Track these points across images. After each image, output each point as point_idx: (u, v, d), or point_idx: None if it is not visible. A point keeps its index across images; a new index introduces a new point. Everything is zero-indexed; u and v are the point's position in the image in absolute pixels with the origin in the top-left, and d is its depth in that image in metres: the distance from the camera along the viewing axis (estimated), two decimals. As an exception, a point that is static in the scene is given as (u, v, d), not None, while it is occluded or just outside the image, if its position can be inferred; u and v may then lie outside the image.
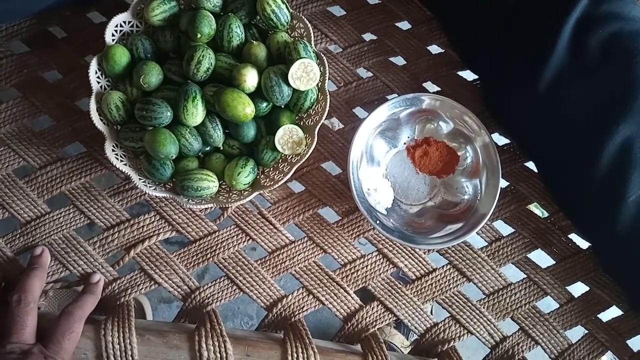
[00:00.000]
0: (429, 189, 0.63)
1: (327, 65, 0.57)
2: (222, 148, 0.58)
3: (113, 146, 0.55)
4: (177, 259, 0.60)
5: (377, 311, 0.62)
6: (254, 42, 0.56)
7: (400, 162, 0.63)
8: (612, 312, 0.64)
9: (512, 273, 0.64)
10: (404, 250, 0.62)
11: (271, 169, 0.59)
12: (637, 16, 0.56)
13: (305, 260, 0.61)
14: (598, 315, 0.64)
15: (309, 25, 0.58)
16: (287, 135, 0.56)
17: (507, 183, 0.65)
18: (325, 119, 0.57)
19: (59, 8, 0.64)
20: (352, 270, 0.62)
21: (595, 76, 0.55)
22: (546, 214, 0.65)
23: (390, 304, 0.62)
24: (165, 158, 0.54)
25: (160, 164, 0.54)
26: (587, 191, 0.57)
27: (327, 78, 0.57)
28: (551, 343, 0.63)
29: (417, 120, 0.62)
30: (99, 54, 0.56)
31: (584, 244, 0.64)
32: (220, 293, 0.60)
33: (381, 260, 0.62)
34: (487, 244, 0.64)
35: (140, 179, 0.55)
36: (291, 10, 0.58)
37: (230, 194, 0.58)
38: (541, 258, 0.64)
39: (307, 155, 0.56)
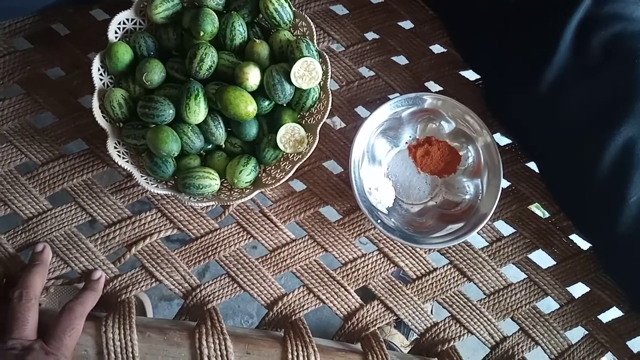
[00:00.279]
0: (430, 188, 0.63)
1: (329, 64, 0.57)
2: (224, 146, 0.58)
3: (115, 143, 0.56)
4: (179, 256, 0.60)
5: (377, 310, 0.62)
6: (257, 40, 0.56)
7: (401, 161, 0.64)
8: (612, 313, 0.64)
9: (513, 273, 0.64)
10: (405, 249, 0.62)
11: (273, 168, 0.59)
12: (640, 17, 0.56)
13: (306, 259, 0.61)
14: (598, 316, 0.64)
15: (312, 23, 0.58)
16: (289, 133, 0.56)
17: (509, 183, 0.65)
18: (327, 118, 0.57)
19: (62, 5, 0.64)
20: (353, 269, 0.62)
21: (598, 77, 0.55)
22: (547, 215, 0.65)
23: (391, 303, 0.62)
24: (167, 156, 0.54)
25: (162, 162, 0.55)
26: (588, 192, 0.57)
27: (329, 77, 0.58)
28: (551, 343, 0.63)
29: (419, 120, 0.62)
30: (102, 51, 0.56)
31: (584, 245, 0.64)
32: (221, 291, 0.60)
33: (382, 259, 0.62)
34: (487, 244, 0.64)
35: (142, 177, 0.55)
36: (294, 9, 0.58)
37: (232, 192, 0.58)
38: (542, 258, 0.64)
39: (309, 154, 0.56)
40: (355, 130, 0.58)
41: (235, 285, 0.60)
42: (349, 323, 0.61)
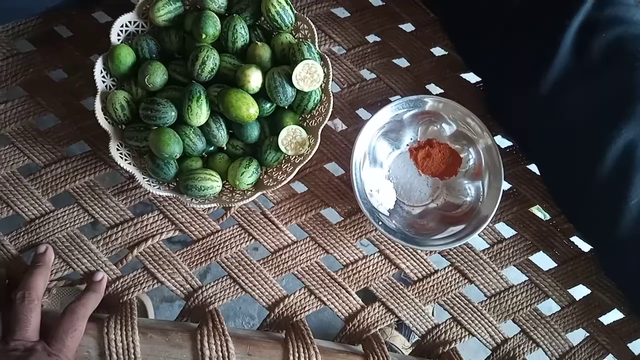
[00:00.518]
0: (432, 190, 0.63)
1: (330, 66, 0.58)
2: (225, 148, 0.58)
3: (117, 145, 0.56)
4: (180, 258, 0.60)
5: (378, 312, 0.62)
6: (259, 43, 0.57)
7: (402, 163, 0.64)
8: (613, 315, 0.64)
9: (514, 275, 0.64)
10: (406, 251, 0.63)
11: (274, 170, 0.59)
12: (641, 20, 0.56)
13: (307, 261, 0.61)
14: (599, 318, 0.64)
15: (313, 26, 0.58)
16: (290, 136, 0.56)
17: (510, 185, 0.65)
18: (328, 120, 0.57)
19: (65, 8, 0.64)
20: (354, 271, 0.62)
21: (598, 79, 0.55)
22: (548, 217, 0.65)
23: (392, 305, 0.62)
24: (169, 157, 0.54)
25: (164, 164, 0.55)
26: (589, 194, 0.57)
27: (330, 79, 0.58)
28: (552, 345, 0.63)
29: (420, 122, 0.63)
30: (105, 54, 0.57)
31: (585, 247, 0.64)
32: (223, 292, 0.60)
33: (383, 261, 0.63)
34: (489, 246, 0.64)
35: (144, 178, 0.55)
36: (295, 12, 0.58)
37: (234, 194, 0.58)
38: (543, 260, 0.64)
39: (310, 156, 0.56)
40: (356, 132, 0.59)
41: (237, 286, 0.61)
42: (350, 325, 0.61)
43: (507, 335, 0.63)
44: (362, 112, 0.66)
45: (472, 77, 0.67)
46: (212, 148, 0.59)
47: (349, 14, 0.68)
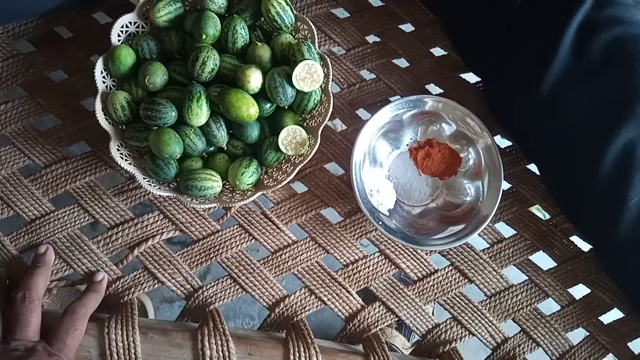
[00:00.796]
0: (431, 190, 0.64)
1: (330, 66, 0.58)
2: (225, 148, 0.58)
3: (118, 145, 0.56)
4: (181, 258, 0.60)
5: (379, 312, 0.62)
6: (259, 43, 0.57)
7: (402, 163, 0.64)
8: (613, 315, 0.64)
9: (514, 275, 0.64)
10: (406, 251, 0.63)
11: (274, 170, 0.59)
12: (640, 20, 0.56)
13: (307, 261, 0.62)
14: (599, 318, 0.64)
15: (313, 27, 0.58)
16: (290, 136, 0.56)
17: (509, 185, 0.65)
18: (328, 121, 0.57)
19: (65, 8, 0.64)
20: (354, 271, 0.62)
21: (598, 79, 0.55)
22: (548, 216, 0.65)
23: (392, 304, 0.62)
24: (169, 158, 0.54)
25: (164, 164, 0.55)
26: (589, 194, 0.57)
27: (330, 79, 0.58)
28: (552, 345, 0.63)
29: (420, 122, 0.63)
30: (105, 54, 0.57)
31: (585, 247, 0.64)
32: (223, 292, 0.60)
33: (383, 261, 0.63)
34: (488, 245, 0.64)
35: (144, 178, 0.56)
36: (295, 12, 0.58)
37: (234, 194, 0.58)
38: (543, 260, 0.64)
39: (310, 156, 0.56)
40: (356, 132, 0.59)
41: (237, 286, 0.61)
42: (351, 324, 0.61)
43: (507, 335, 0.63)
44: (362, 112, 0.66)
45: (471, 77, 0.67)
46: (212, 148, 0.59)
47: (348, 15, 0.68)
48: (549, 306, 0.64)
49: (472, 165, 0.62)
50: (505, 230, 0.65)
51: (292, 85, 0.55)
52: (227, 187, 0.59)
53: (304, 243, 0.62)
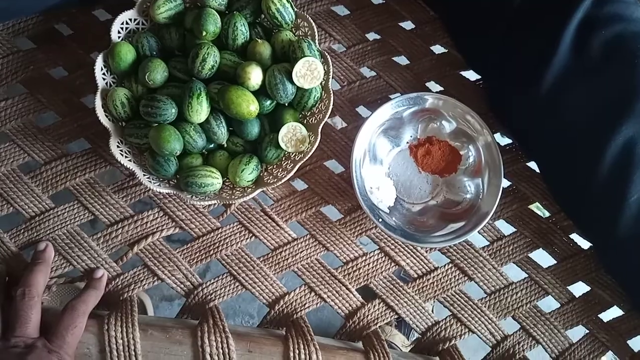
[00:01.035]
0: (431, 187, 0.64)
1: (330, 64, 0.58)
2: (226, 145, 0.58)
3: (118, 142, 0.56)
4: (180, 255, 0.60)
5: (378, 309, 0.62)
6: (259, 40, 0.57)
7: (402, 161, 0.64)
8: (613, 312, 0.64)
9: (514, 272, 0.64)
10: (406, 248, 0.63)
11: (274, 167, 0.59)
12: (640, 17, 0.56)
13: (307, 258, 0.62)
14: (599, 315, 0.64)
15: (313, 24, 0.58)
16: (290, 133, 0.56)
17: (509, 183, 0.65)
18: (328, 118, 0.57)
19: (65, 5, 0.64)
20: (354, 268, 0.62)
21: (598, 77, 0.55)
22: (548, 214, 0.65)
23: (392, 302, 0.62)
24: (169, 154, 0.54)
25: (164, 161, 0.55)
26: (588, 191, 0.57)
27: (330, 77, 0.58)
28: (552, 342, 0.63)
29: (420, 120, 0.63)
30: (105, 51, 0.57)
31: (585, 244, 0.64)
32: (223, 289, 0.60)
33: (383, 258, 0.63)
34: (488, 243, 0.64)
35: (144, 175, 0.56)
36: (296, 9, 0.58)
37: (234, 191, 0.58)
38: (542, 258, 0.64)
39: (310, 153, 0.56)
40: (356, 129, 0.59)
41: (237, 283, 0.61)
42: (351, 322, 0.61)
43: (507, 332, 0.63)
44: (362, 110, 0.66)
45: (472, 75, 0.67)
46: (212, 145, 0.59)
47: (349, 12, 0.68)
48: (549, 304, 0.64)
49: (472, 163, 0.62)
50: (505, 227, 0.65)
51: (292, 82, 0.55)
52: (227, 184, 0.59)
53: (304, 240, 0.62)
